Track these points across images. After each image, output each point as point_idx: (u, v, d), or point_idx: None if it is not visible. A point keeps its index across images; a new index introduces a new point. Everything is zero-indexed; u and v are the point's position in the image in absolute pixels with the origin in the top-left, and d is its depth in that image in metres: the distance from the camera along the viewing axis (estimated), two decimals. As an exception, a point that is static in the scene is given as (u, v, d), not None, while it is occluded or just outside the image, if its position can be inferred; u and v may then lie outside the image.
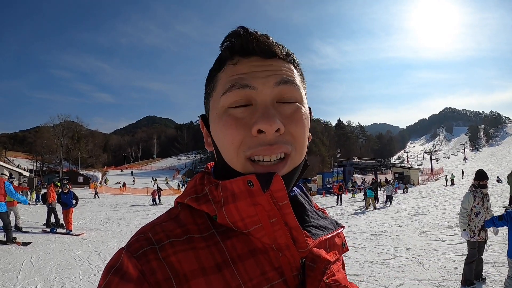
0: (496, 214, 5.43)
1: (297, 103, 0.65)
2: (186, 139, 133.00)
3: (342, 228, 0.76)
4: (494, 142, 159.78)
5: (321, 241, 0.68)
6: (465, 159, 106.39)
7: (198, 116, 0.76)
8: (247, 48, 0.64)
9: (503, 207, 12.00)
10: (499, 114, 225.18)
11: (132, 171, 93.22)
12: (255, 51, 0.64)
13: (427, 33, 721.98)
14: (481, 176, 5.76)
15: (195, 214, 0.64)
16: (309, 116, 0.68)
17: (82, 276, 6.59)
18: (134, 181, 61.58)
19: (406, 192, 32.79)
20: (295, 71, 0.67)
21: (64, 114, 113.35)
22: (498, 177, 29.85)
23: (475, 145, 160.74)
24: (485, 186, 5.71)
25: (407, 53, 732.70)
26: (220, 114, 0.64)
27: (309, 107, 0.71)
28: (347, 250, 0.81)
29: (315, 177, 52.54)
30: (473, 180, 5.90)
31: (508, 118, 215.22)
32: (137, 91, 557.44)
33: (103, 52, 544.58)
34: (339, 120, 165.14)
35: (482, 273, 5.71)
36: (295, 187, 0.75)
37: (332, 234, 0.71)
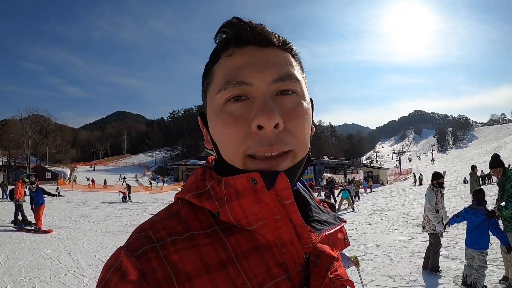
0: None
1: (298, 96, 0.62)
2: (157, 135, 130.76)
3: (344, 223, 0.75)
4: (461, 145, 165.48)
5: (324, 236, 0.67)
6: (432, 160, 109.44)
7: (195, 109, 0.73)
8: (241, 38, 0.61)
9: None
10: (466, 118, 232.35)
11: (94, 167, 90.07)
12: (250, 40, 0.61)
13: (398, 38, 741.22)
14: (438, 176, 6.54)
15: (196, 210, 0.62)
16: (311, 109, 0.66)
17: (52, 276, 6.47)
18: (105, 182, 52.52)
19: (371, 191, 33.29)
20: (293, 61, 0.65)
21: (32, 108, 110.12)
22: (465, 178, 30.70)
23: (442, 147, 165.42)
24: (442, 185, 6.44)
25: (378, 57, 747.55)
26: (217, 111, 0.62)
27: (311, 99, 0.69)
28: (349, 244, 0.80)
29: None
30: (431, 181, 6.58)
31: (476, 122, 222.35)
32: (108, 85, 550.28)
33: (75, 45, 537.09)
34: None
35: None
36: None
37: (335, 229, 0.69)
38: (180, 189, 0.80)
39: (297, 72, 0.64)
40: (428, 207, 6.27)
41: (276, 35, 0.64)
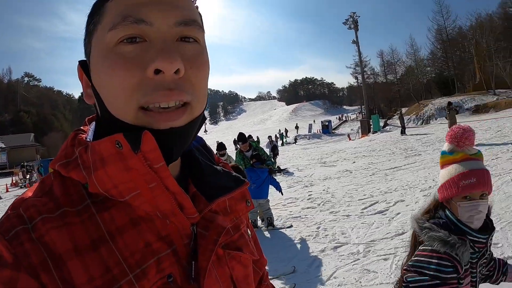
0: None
1: (200, 45, 0.57)
2: None
3: (247, 185, 0.69)
4: (231, 117, 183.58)
5: (220, 202, 0.64)
6: (205, 131, 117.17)
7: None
8: None
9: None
10: (236, 93, 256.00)
11: None
12: None
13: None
14: (219, 148, 7.62)
15: (68, 182, 0.55)
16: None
17: None
18: None
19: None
20: (196, 9, 0.59)
21: None
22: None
23: (214, 119, 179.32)
24: (224, 155, 7.60)
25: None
26: (105, 53, 0.52)
27: None
28: (253, 207, 0.76)
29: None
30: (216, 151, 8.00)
31: (244, 97, 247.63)
32: None
33: None
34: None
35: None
36: None
37: (232, 194, 0.65)
38: None
39: (200, 22, 0.58)
40: None
41: None
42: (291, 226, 6.28)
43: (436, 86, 56.57)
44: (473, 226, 1.43)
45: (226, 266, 0.63)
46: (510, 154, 9.56)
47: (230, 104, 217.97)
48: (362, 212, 6.53)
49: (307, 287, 4.05)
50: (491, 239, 1.53)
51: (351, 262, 4.48)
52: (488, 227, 1.52)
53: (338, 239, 5.33)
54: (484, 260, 1.57)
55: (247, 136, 7.57)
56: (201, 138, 0.71)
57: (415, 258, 1.47)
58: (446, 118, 14.70)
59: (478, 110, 29.32)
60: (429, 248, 1.43)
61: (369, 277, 4.04)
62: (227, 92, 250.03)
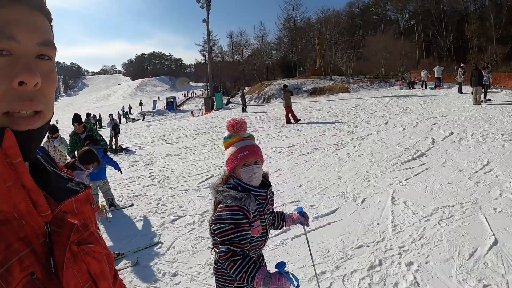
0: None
1: (52, 63, 0.66)
2: None
3: (89, 188, 0.76)
4: (72, 93, 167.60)
5: (67, 204, 0.68)
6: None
7: None
8: None
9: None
10: (79, 66, 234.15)
11: None
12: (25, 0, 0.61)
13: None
14: (51, 131, 7.38)
15: None
16: None
17: None
18: None
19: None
20: (52, 32, 0.67)
21: None
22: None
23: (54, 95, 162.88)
24: (56, 137, 7.41)
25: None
26: None
27: None
28: (98, 209, 0.82)
29: None
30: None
31: (87, 71, 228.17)
32: None
33: None
34: None
35: None
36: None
37: (78, 196, 0.71)
38: None
39: (53, 41, 0.67)
40: None
41: (45, 2, 0.66)
42: (132, 205, 6.51)
43: (279, 68, 61.69)
44: (253, 184, 1.97)
45: (82, 262, 0.68)
46: (335, 132, 11.20)
47: (71, 78, 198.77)
48: (198, 186, 7.14)
49: (149, 259, 4.39)
50: (270, 194, 2.11)
51: (188, 232, 5.00)
52: (266, 185, 2.08)
53: (176, 213, 5.81)
54: (269, 211, 2.14)
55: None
56: (44, 148, 0.76)
57: (216, 213, 1.93)
58: (282, 98, 16.57)
59: (315, 92, 33.14)
60: (224, 204, 1.91)
61: (203, 243, 4.59)
62: (68, 64, 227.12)
